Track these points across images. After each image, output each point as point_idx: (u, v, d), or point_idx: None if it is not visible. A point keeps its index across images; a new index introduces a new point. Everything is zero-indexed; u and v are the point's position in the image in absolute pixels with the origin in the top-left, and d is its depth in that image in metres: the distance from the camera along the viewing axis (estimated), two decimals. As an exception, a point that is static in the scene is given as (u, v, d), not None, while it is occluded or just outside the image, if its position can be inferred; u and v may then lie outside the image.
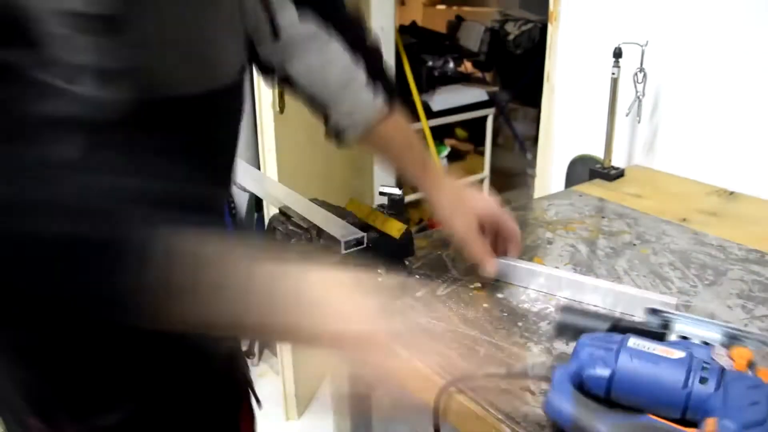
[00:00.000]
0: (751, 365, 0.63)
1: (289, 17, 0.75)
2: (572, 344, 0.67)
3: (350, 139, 0.81)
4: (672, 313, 0.72)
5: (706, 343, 0.68)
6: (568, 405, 0.58)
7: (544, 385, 0.66)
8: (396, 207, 0.84)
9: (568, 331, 0.71)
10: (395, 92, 0.83)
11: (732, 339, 0.69)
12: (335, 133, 0.82)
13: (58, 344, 0.63)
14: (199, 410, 0.80)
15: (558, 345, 0.75)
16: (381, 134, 0.81)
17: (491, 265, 0.83)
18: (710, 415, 0.56)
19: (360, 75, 0.79)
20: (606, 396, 0.61)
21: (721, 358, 0.64)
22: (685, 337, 0.69)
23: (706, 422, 0.54)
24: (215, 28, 0.62)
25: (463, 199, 0.84)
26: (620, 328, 0.69)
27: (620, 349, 0.61)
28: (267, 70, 0.81)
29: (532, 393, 0.67)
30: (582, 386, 0.61)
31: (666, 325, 0.71)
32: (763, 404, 0.56)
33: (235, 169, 0.78)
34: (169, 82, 0.57)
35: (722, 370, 0.59)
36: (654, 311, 0.73)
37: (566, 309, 0.73)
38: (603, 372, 0.60)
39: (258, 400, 0.93)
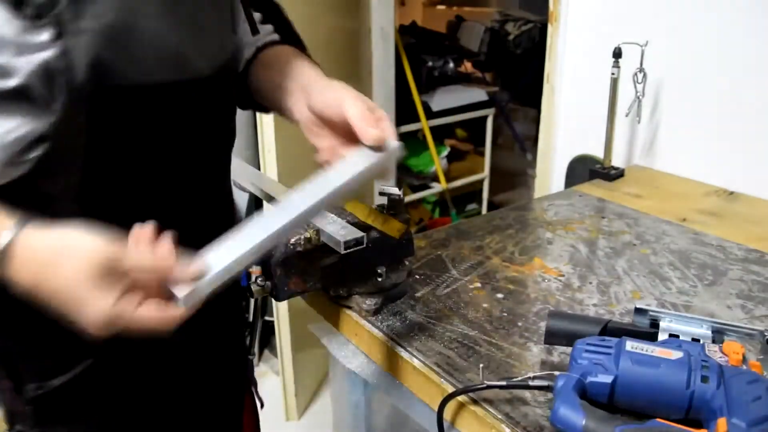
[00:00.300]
0: (743, 359, 0.64)
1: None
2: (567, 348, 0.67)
3: (242, 68, 0.80)
4: (659, 311, 0.72)
5: (696, 340, 0.68)
6: (578, 416, 0.57)
7: (548, 394, 0.65)
8: (396, 207, 0.83)
9: (558, 336, 0.70)
10: (292, 35, 0.83)
11: (719, 333, 0.70)
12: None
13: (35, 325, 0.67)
14: (201, 409, 0.81)
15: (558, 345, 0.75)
16: (269, 58, 0.79)
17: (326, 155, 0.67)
18: (714, 414, 0.56)
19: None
20: (608, 402, 0.61)
21: (715, 354, 0.64)
22: (674, 335, 0.69)
23: (717, 423, 0.55)
24: (189, 24, 0.65)
25: (308, 82, 0.72)
26: (611, 330, 0.69)
27: (619, 353, 0.61)
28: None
29: (533, 395, 0.67)
30: (584, 393, 0.61)
31: (655, 324, 0.71)
32: (765, 399, 0.56)
33: (228, 163, 0.79)
34: (132, 71, 0.60)
35: (721, 367, 0.60)
36: (641, 311, 0.72)
37: (555, 315, 0.72)
38: (605, 378, 0.60)
39: (260, 400, 0.94)
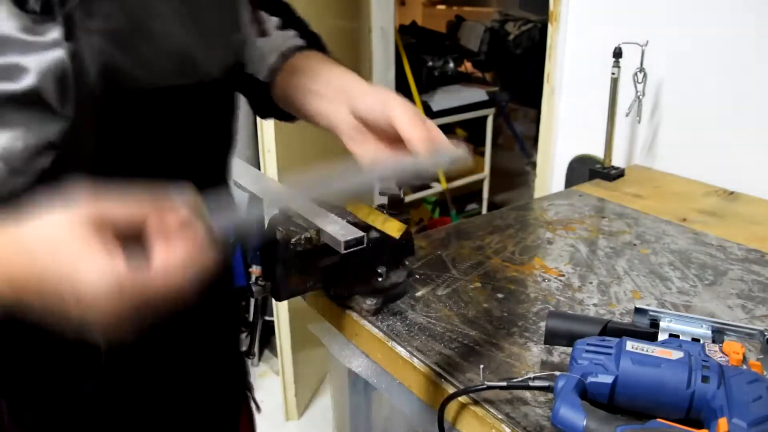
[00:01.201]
0: (744, 359, 0.64)
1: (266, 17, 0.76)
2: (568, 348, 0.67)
3: (264, 75, 0.75)
4: (659, 311, 0.72)
5: (696, 340, 0.68)
6: (578, 416, 0.57)
7: (548, 394, 0.65)
8: (396, 207, 0.83)
9: (558, 337, 0.70)
10: (316, 40, 0.78)
11: (719, 333, 0.70)
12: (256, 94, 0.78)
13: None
14: (198, 413, 0.81)
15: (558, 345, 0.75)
16: (298, 64, 0.74)
17: (368, 160, 0.62)
18: (715, 414, 0.56)
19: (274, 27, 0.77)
20: (609, 402, 0.61)
21: (716, 354, 0.64)
22: (674, 335, 0.69)
23: (718, 423, 0.55)
24: (197, 24, 0.63)
25: (348, 86, 0.67)
26: (612, 330, 0.69)
27: (620, 353, 0.61)
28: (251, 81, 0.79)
29: (533, 395, 0.67)
30: (584, 394, 0.61)
31: (655, 324, 0.71)
32: (766, 398, 0.56)
33: (229, 166, 0.78)
34: (143, 74, 0.58)
35: (721, 367, 0.60)
36: (641, 311, 0.72)
37: (555, 315, 0.72)
38: (606, 378, 0.60)
39: (257, 405, 0.93)
